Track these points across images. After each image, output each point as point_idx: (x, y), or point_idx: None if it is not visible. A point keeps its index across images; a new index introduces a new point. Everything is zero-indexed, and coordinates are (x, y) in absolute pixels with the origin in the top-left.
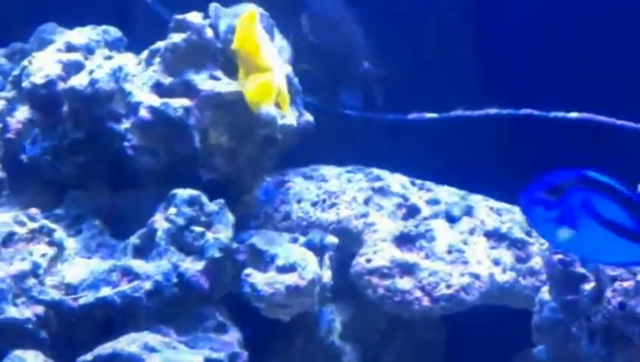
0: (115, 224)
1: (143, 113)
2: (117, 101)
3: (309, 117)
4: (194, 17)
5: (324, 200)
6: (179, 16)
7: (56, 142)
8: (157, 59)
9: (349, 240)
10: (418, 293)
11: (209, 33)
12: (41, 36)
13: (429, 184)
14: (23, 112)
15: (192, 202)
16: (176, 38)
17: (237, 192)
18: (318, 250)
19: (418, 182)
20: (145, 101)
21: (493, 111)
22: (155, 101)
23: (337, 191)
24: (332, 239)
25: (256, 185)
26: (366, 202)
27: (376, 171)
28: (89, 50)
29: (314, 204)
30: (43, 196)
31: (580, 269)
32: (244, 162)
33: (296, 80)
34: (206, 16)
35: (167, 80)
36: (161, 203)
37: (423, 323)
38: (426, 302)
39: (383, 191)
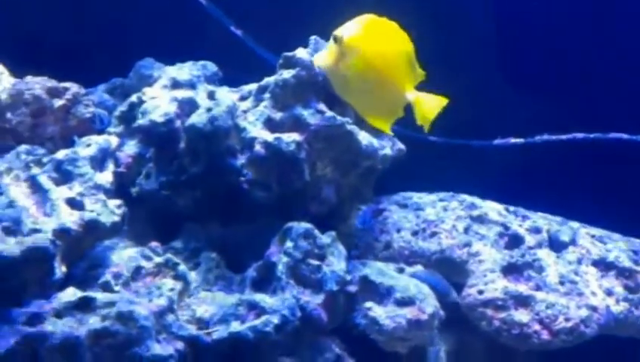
0: (228, 256)
1: (258, 148)
2: (232, 136)
3: (400, 145)
4: (302, 54)
5: (423, 229)
6: (288, 53)
7: (172, 176)
8: (267, 95)
9: (452, 270)
10: (537, 326)
11: (317, 69)
12: (140, 71)
13: (522, 210)
14: (131, 147)
15: (307, 235)
16: (286, 74)
17: (336, 223)
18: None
19: (512, 208)
20: (259, 137)
21: (580, 135)
22: (269, 136)
23: (436, 220)
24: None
25: (353, 215)
26: (466, 231)
27: (468, 198)
28: (192, 86)
29: (414, 233)
30: (157, 229)
31: None
32: (348, 193)
33: None
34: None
35: (277, 115)
36: (271, 235)
37: (529, 354)
38: (545, 335)
39: (481, 220)
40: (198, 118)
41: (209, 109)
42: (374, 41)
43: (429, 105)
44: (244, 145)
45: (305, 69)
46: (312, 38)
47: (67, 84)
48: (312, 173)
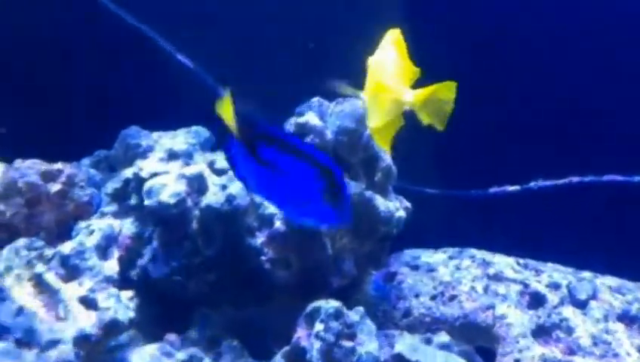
0: (246, 339)
1: (279, 225)
2: (249, 213)
3: (407, 203)
4: (314, 120)
5: (442, 293)
6: (300, 120)
7: (185, 260)
8: None
9: (478, 335)
10: None
11: (328, 135)
12: (126, 141)
13: (532, 262)
14: (128, 226)
15: (337, 315)
16: None
17: (352, 291)
18: None
19: (522, 261)
20: (278, 212)
21: (575, 179)
22: None
23: (452, 282)
24: None
25: (367, 280)
26: (485, 291)
27: (477, 253)
28: (189, 156)
29: (433, 298)
30: (165, 315)
31: None
32: (366, 262)
33: (394, 166)
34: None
35: None
36: (292, 315)
37: None
38: None
39: (498, 278)
40: (214, 198)
41: (224, 187)
42: (377, 57)
43: (436, 100)
44: (262, 222)
45: (318, 136)
46: (316, 100)
47: (59, 165)
48: (333, 245)
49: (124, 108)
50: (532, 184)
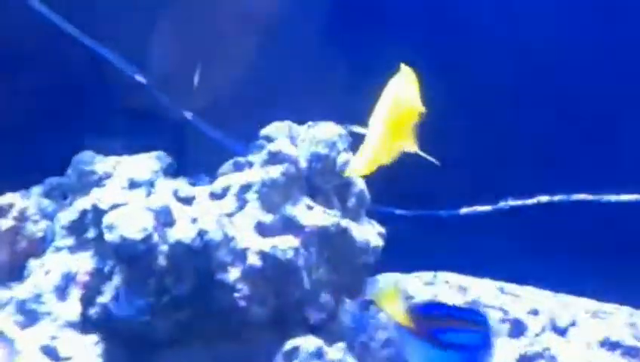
0: None
1: (253, 260)
2: (220, 247)
3: (379, 228)
4: (288, 148)
5: None
6: (273, 148)
7: (151, 299)
8: (252, 196)
9: None
10: None
11: (303, 163)
12: (79, 167)
13: (508, 286)
14: (86, 261)
15: (318, 354)
16: (274, 172)
17: (327, 323)
18: None
19: (498, 285)
20: (252, 246)
21: (544, 198)
22: (263, 245)
23: None
24: None
25: (339, 310)
26: None
27: (451, 278)
28: (151, 184)
29: None
30: (128, 357)
31: None
32: (344, 293)
33: (367, 192)
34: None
35: (267, 218)
36: (267, 353)
37: None
38: None
39: (477, 304)
40: (184, 234)
41: (194, 220)
42: None
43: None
44: (235, 257)
45: (293, 166)
46: (285, 123)
47: (9, 198)
48: (309, 278)
49: (76, 129)
50: (502, 204)
